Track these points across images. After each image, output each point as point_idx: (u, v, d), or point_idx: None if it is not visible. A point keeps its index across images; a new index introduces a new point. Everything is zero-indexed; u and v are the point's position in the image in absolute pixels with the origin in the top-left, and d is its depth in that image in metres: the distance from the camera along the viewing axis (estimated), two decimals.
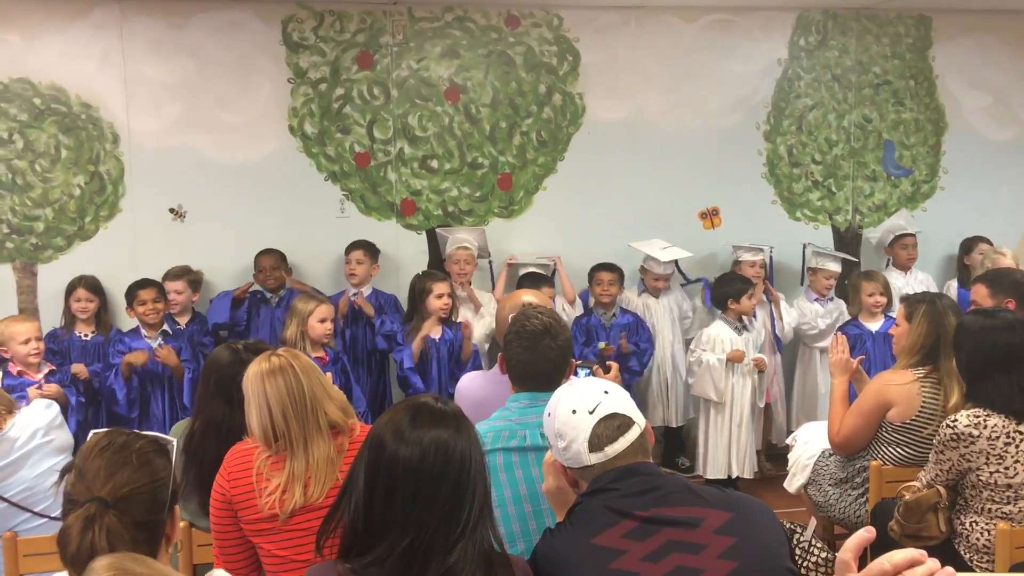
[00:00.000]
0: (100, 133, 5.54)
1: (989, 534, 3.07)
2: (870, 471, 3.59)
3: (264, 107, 5.71)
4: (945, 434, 3.11)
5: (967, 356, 3.24)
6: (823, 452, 4.03)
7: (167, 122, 5.61)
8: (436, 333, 5.23)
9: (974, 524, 3.12)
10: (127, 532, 1.72)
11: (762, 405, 5.57)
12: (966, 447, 3.06)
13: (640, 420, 2.03)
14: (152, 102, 5.59)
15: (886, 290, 5.43)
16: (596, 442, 1.97)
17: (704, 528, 1.87)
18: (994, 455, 3.04)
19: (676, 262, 5.85)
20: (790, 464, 4.26)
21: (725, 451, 5.40)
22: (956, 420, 3.08)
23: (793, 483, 4.18)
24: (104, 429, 2.00)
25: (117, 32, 5.53)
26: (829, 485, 3.90)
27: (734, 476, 5.37)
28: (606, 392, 2.03)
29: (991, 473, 3.05)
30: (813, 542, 2.99)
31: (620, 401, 2.02)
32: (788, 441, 4.52)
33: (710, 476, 5.36)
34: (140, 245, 5.61)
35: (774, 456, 5.79)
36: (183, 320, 5.40)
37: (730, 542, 1.86)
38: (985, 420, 3.06)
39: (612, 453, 1.97)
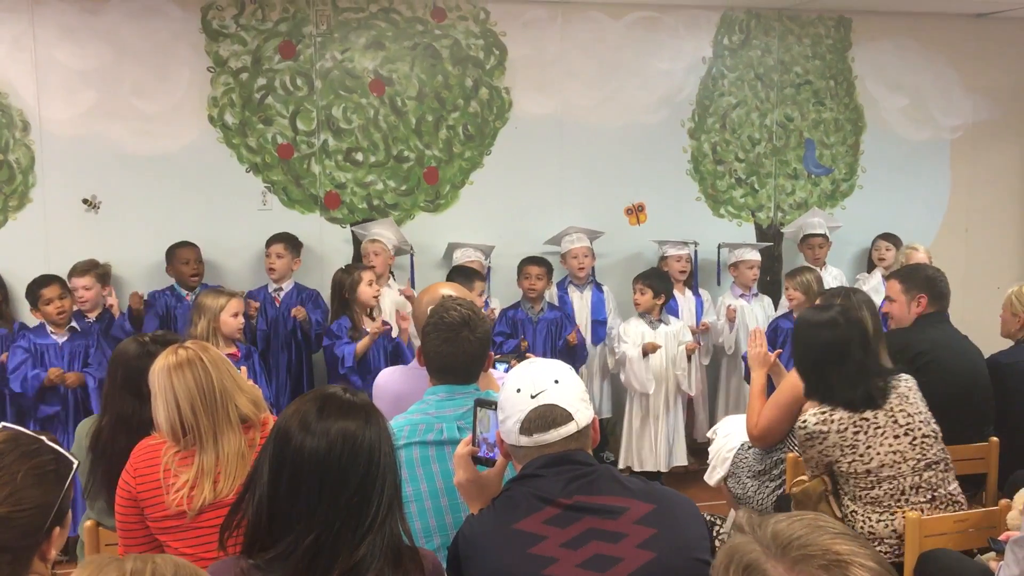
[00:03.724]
0: (9, 120, 5.35)
1: (870, 522, 3.16)
2: (787, 463, 3.63)
3: (183, 96, 5.57)
4: (800, 435, 3.23)
5: (798, 352, 3.39)
6: (742, 445, 4.07)
7: (81, 110, 5.44)
8: (369, 325, 5.15)
9: (854, 513, 3.20)
10: None
11: (693, 393, 5.60)
12: (821, 443, 3.17)
13: (582, 417, 2.01)
14: (65, 89, 5.42)
15: (800, 287, 5.53)
16: (527, 427, 1.98)
17: (625, 518, 1.89)
18: (847, 446, 3.15)
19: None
20: (710, 457, 4.30)
21: (646, 445, 5.45)
22: (806, 421, 3.19)
23: (713, 476, 4.22)
24: (12, 427, 1.89)
25: (28, 16, 5.35)
26: (748, 477, 3.95)
27: (655, 471, 5.42)
28: (557, 381, 2.02)
29: (849, 463, 3.16)
30: (732, 534, 3.02)
31: (566, 394, 2.01)
32: (708, 434, 4.56)
33: (635, 469, 5.41)
34: (52, 237, 5.43)
35: (696, 451, 5.85)
36: (92, 315, 5.20)
37: (650, 533, 1.88)
38: (831, 415, 3.18)
39: (540, 442, 1.97)
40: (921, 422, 3.21)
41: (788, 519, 1.33)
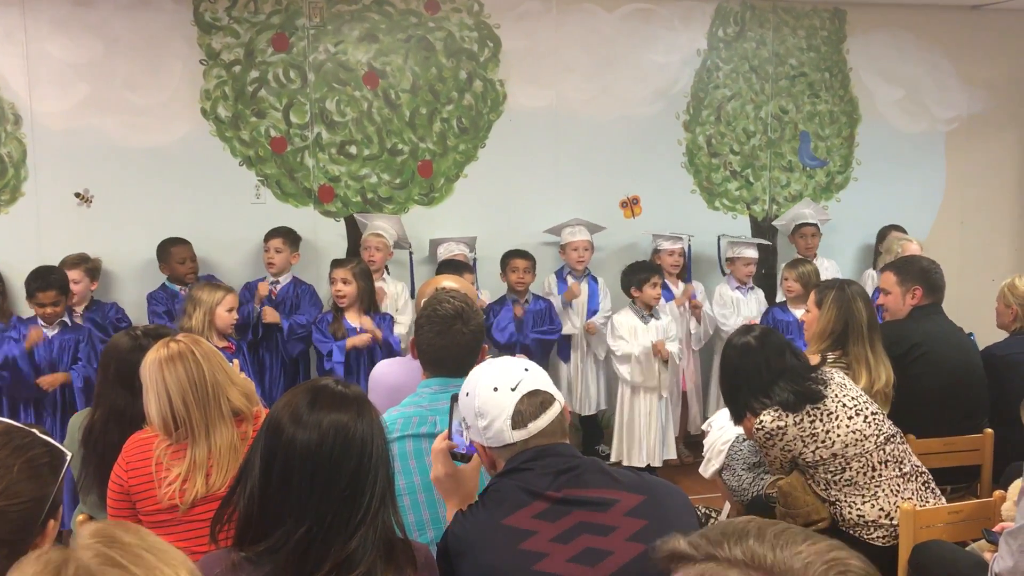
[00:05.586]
0: (1, 114, 5.32)
1: (856, 506, 3.18)
2: None
3: (175, 89, 5.54)
4: (760, 437, 3.26)
5: (720, 372, 3.53)
6: (737, 437, 4.06)
7: (72, 103, 5.41)
8: (356, 323, 5.15)
9: (839, 502, 3.22)
10: None
11: (665, 395, 5.60)
12: (781, 439, 3.21)
13: (560, 397, 2.03)
14: (57, 82, 5.39)
15: (800, 278, 5.53)
16: (519, 419, 1.96)
17: (616, 510, 1.88)
18: (807, 436, 3.19)
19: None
20: (705, 449, 4.29)
21: (639, 439, 5.46)
22: (762, 421, 3.24)
23: (708, 468, 4.21)
24: (2, 420, 1.88)
25: (19, 9, 5.32)
26: (743, 470, 3.94)
27: (644, 464, 5.42)
28: (526, 370, 2.02)
29: (814, 452, 3.19)
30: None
31: (540, 378, 2.02)
32: (704, 427, 4.56)
33: (627, 464, 5.41)
34: (44, 231, 5.41)
35: (690, 443, 5.85)
36: (80, 309, 5.19)
37: (640, 525, 1.87)
38: (784, 410, 3.21)
39: (535, 430, 1.96)
40: (865, 402, 3.29)
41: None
